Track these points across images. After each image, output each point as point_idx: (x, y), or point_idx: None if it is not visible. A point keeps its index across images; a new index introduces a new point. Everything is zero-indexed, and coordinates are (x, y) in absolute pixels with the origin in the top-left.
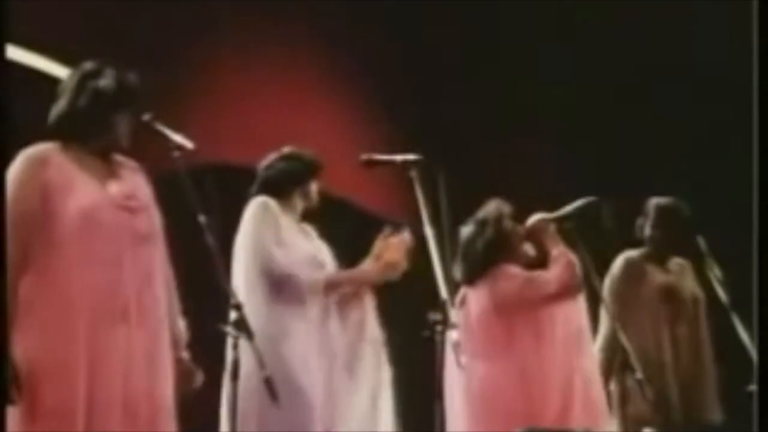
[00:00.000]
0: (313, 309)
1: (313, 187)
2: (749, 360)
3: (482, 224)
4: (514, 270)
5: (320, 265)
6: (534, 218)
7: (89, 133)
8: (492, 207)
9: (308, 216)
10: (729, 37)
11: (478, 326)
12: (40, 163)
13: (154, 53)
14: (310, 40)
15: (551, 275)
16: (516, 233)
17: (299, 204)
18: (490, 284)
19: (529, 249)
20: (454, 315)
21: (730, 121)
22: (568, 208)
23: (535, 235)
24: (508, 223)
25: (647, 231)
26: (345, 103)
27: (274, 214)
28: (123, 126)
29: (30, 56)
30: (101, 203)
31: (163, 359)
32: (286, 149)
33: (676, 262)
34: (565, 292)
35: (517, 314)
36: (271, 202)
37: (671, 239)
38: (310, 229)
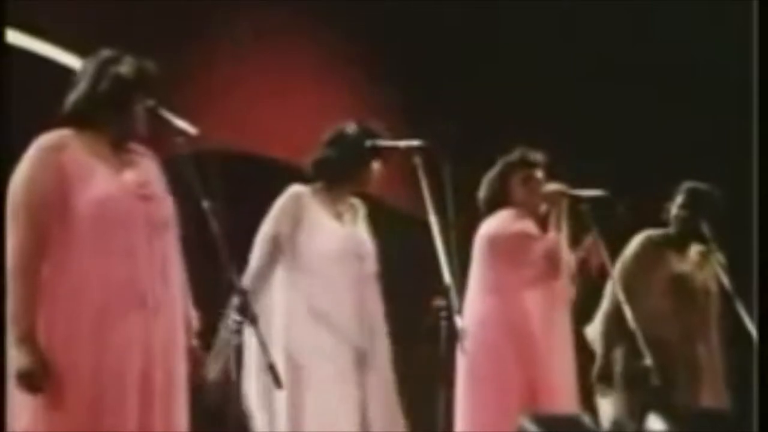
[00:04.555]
0: None
1: (373, 168)
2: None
3: (511, 165)
4: (528, 221)
5: (359, 258)
6: (553, 186)
7: (107, 118)
8: (525, 152)
9: None
10: (729, 37)
11: (477, 254)
12: (56, 150)
13: (155, 40)
14: (312, 26)
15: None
16: (540, 184)
17: (349, 188)
18: (498, 221)
19: (544, 209)
20: None
21: (730, 121)
22: (585, 192)
23: (548, 202)
24: (538, 172)
25: (673, 211)
26: (347, 90)
27: (301, 207)
28: (141, 113)
29: (30, 43)
30: (117, 192)
31: (177, 347)
32: (350, 126)
33: (696, 250)
34: (538, 276)
35: (506, 262)
36: (304, 193)
37: (696, 222)
38: (349, 219)
